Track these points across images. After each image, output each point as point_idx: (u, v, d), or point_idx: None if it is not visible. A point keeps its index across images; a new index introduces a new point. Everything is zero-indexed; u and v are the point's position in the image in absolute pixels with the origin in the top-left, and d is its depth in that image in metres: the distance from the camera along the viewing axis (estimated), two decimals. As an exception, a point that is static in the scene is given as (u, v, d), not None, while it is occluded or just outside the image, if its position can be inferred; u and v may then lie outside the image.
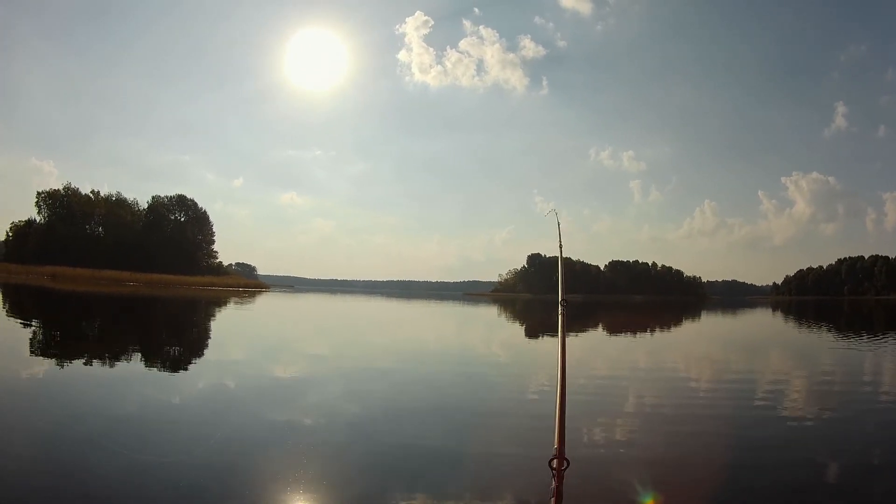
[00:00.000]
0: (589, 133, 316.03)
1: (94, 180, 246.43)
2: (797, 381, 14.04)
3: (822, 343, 27.16)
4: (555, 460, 2.70)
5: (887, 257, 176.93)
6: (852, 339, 28.41)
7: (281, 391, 10.80)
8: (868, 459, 7.15)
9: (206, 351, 17.41)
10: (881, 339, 27.96)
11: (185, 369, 13.19)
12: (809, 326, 41.18)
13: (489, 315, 51.30)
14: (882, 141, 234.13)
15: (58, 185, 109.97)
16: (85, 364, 12.53)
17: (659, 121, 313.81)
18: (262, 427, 7.79)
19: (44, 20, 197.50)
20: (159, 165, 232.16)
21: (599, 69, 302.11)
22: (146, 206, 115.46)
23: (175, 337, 21.24)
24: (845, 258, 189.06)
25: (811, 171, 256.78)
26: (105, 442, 6.63)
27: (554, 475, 2.65)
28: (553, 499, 2.58)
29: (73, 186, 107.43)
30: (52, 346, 16.13)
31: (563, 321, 4.09)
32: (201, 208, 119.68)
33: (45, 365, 12.25)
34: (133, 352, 15.71)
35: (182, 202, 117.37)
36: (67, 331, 20.92)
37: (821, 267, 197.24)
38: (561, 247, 5.71)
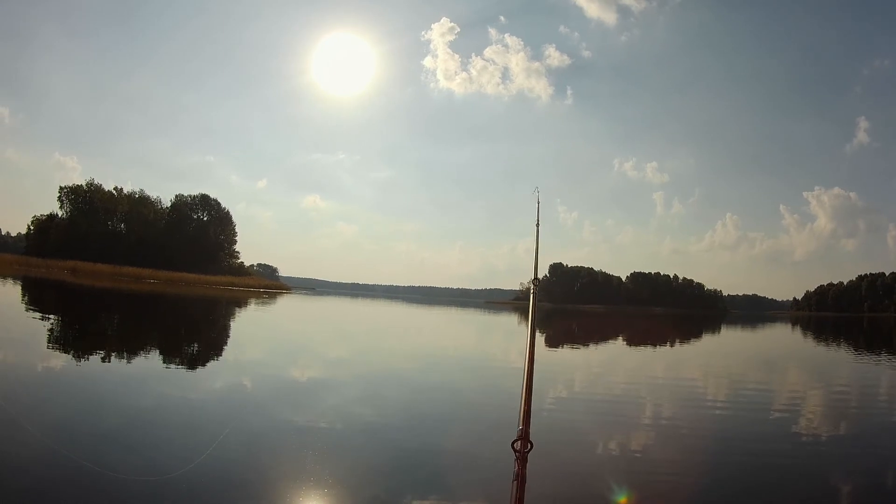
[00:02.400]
0: (612, 143, 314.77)
1: (118, 179, 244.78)
2: (809, 397, 14.47)
3: (839, 359, 27.44)
4: (517, 442, 2.65)
5: None
6: (869, 357, 28.62)
7: (298, 393, 11.04)
8: (874, 479, 7.41)
9: (222, 351, 17.64)
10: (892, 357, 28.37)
11: (201, 368, 13.52)
12: (828, 343, 41.29)
13: (509, 323, 51.54)
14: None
15: (81, 181, 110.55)
16: (102, 360, 12.84)
17: (682, 132, 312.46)
18: (277, 428, 8.03)
19: (71, 21, 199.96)
20: (184, 166, 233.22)
21: (624, 79, 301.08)
22: (169, 204, 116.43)
23: (191, 336, 21.48)
24: (866, 275, 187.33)
25: (833, 187, 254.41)
26: (120, 438, 6.89)
27: (517, 458, 2.60)
28: (515, 482, 2.53)
29: (96, 183, 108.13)
30: (69, 341, 16.28)
31: (534, 300, 4.22)
32: (224, 208, 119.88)
33: (62, 360, 12.41)
34: (149, 350, 15.96)
35: (205, 202, 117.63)
36: (86, 326, 21.10)
37: (841, 283, 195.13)
38: (538, 225, 5.77)
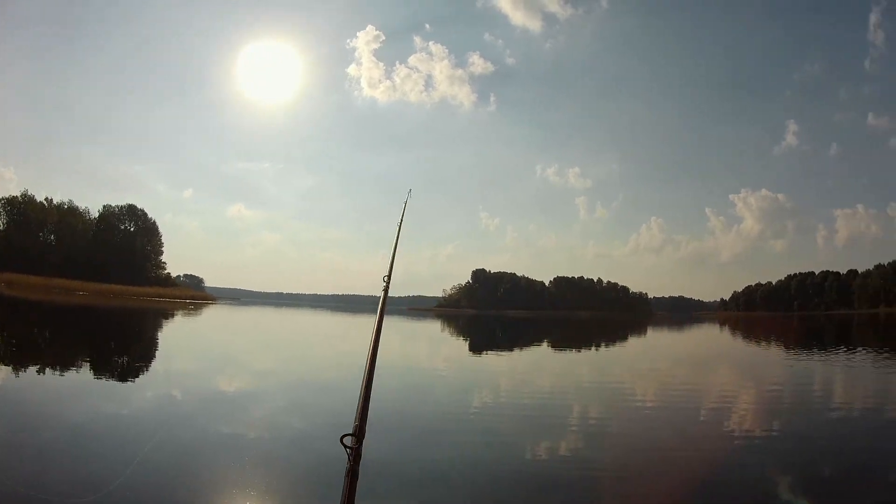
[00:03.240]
0: (535, 150, 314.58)
1: (51, 188, 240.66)
2: (740, 396, 14.63)
3: (766, 358, 28.32)
4: (347, 437, 2.63)
5: (838, 273, 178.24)
6: (800, 354, 29.44)
7: (225, 404, 11.19)
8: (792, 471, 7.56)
9: (150, 364, 17.67)
10: (830, 353, 28.92)
11: (129, 381, 13.63)
12: (755, 341, 42.27)
13: (432, 331, 52.19)
14: (834, 159, 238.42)
15: (17, 192, 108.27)
16: (30, 375, 13.16)
17: (607, 138, 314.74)
18: (204, 439, 8.16)
19: (2, 26, 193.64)
20: (113, 175, 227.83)
21: (547, 86, 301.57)
22: (97, 215, 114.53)
23: (120, 349, 21.59)
24: (795, 274, 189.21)
25: (760, 189, 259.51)
26: (47, 456, 7.01)
27: (350, 454, 2.58)
28: (347, 477, 2.51)
29: (29, 194, 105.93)
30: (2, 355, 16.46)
31: (384, 297, 4.23)
32: (151, 219, 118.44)
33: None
34: (78, 364, 16.04)
35: (132, 212, 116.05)
36: (19, 340, 21.22)
37: (770, 283, 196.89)
38: (401, 224, 5.79)
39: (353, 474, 2.52)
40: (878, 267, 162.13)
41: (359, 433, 2.67)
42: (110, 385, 12.91)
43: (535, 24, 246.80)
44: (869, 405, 13.56)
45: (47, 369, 14.15)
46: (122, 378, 14.23)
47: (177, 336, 31.02)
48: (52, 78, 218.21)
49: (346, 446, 2.60)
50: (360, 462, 2.55)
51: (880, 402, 14.21)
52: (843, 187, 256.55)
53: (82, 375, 13.79)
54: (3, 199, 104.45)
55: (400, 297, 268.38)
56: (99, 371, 14.88)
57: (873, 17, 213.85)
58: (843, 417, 11.94)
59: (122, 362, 17.63)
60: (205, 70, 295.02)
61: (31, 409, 9.76)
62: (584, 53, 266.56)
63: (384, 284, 4.44)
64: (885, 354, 27.34)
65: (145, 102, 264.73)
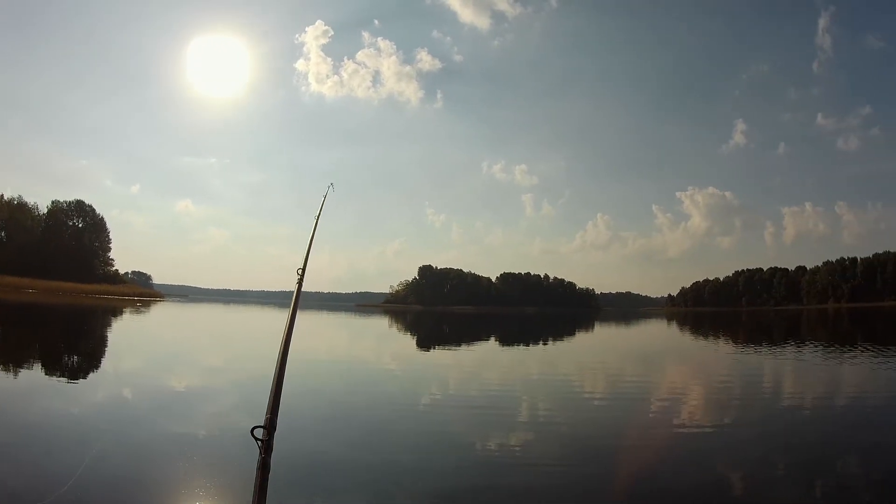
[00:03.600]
0: (482, 146, 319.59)
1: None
2: (693, 392, 14.65)
3: (714, 352, 28.43)
4: (258, 429, 2.61)
5: (786, 269, 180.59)
6: (747, 348, 29.83)
7: (175, 403, 11.14)
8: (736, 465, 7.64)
9: (99, 362, 17.63)
10: (779, 347, 29.31)
11: (79, 380, 13.57)
12: (702, 336, 42.65)
13: (380, 326, 52.35)
14: (782, 157, 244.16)
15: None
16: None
17: (554, 136, 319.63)
18: (154, 438, 8.11)
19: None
20: (61, 170, 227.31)
21: (495, 84, 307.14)
22: (46, 210, 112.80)
23: (68, 348, 21.39)
24: (743, 270, 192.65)
25: (708, 187, 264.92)
26: (20, 442, 7.27)
27: (261, 446, 2.56)
28: (259, 470, 2.49)
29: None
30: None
31: (298, 290, 4.16)
32: (99, 215, 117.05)
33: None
34: (28, 363, 15.84)
35: (80, 208, 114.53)
36: None
37: (717, 279, 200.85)
38: (318, 219, 5.60)
39: (264, 466, 2.51)
40: (826, 264, 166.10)
41: (269, 425, 2.65)
42: (59, 385, 12.64)
43: (483, 22, 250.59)
44: (818, 398, 13.83)
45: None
46: (71, 377, 13.97)
47: (125, 335, 30.83)
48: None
49: (256, 438, 2.58)
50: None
51: (829, 394, 14.48)
52: (791, 186, 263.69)
53: (29, 375, 13.59)
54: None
55: (348, 294, 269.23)
56: (46, 370, 14.69)
57: (822, 23, 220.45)
58: (792, 409, 12.10)
59: (69, 362, 17.43)
60: (153, 64, 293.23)
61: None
62: (532, 52, 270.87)
63: (298, 277, 4.34)
64: (833, 349, 27.73)
65: (93, 96, 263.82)
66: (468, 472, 7.13)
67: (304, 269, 4.45)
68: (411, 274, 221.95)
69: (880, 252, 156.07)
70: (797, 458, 7.94)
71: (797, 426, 10.34)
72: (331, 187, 6.42)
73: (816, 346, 29.40)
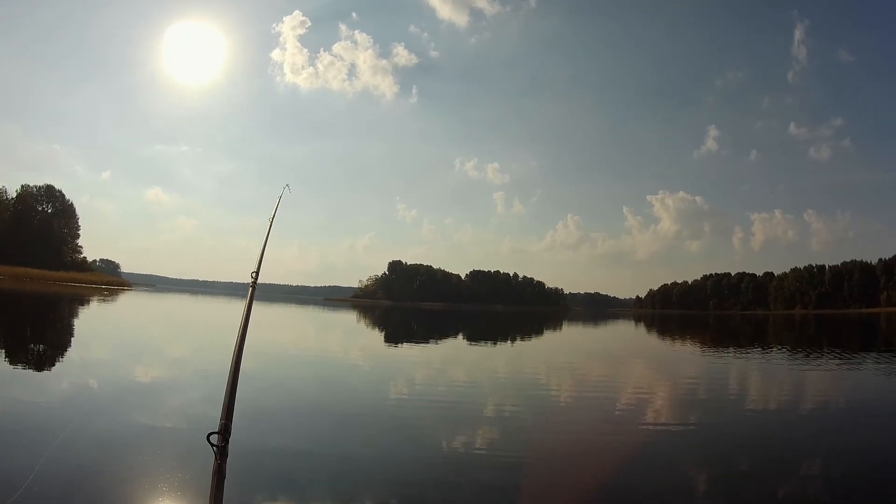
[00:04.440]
0: (455, 143, 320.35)
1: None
2: (658, 392, 14.68)
3: (681, 354, 28.70)
4: (214, 435, 2.60)
5: (754, 275, 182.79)
6: (714, 351, 30.08)
7: (139, 394, 11.03)
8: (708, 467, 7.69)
9: (68, 352, 17.52)
10: (745, 351, 29.64)
11: (48, 369, 13.40)
12: (670, 338, 43.01)
13: (348, 321, 52.18)
14: (753, 164, 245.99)
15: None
16: None
17: (527, 135, 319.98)
18: (118, 429, 7.98)
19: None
20: (31, 154, 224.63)
21: (470, 81, 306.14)
22: (15, 195, 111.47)
23: (33, 335, 21.11)
24: (711, 274, 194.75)
25: (678, 191, 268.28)
26: None
27: (216, 452, 2.55)
28: (214, 476, 2.49)
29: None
30: None
31: (251, 293, 4.13)
32: (68, 201, 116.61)
33: None
34: None
35: (50, 193, 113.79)
36: None
37: (686, 282, 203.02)
38: (272, 219, 5.68)
39: (220, 472, 2.51)
40: (794, 270, 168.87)
41: (224, 431, 2.64)
42: (22, 373, 12.51)
43: (461, 19, 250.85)
44: (783, 400, 14.06)
45: None
46: (35, 366, 13.81)
47: (91, 324, 30.55)
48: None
49: (212, 444, 2.57)
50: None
51: (794, 397, 14.67)
52: (762, 192, 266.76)
53: None
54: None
55: (316, 287, 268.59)
56: (9, 359, 14.43)
57: (797, 34, 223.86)
58: (757, 411, 12.33)
59: (33, 350, 17.24)
60: (127, 49, 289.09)
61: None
62: (508, 50, 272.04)
63: (252, 280, 4.37)
64: (799, 353, 28.12)
65: (65, 80, 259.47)
66: (434, 468, 7.18)
67: (257, 272, 4.48)
68: (381, 269, 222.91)
69: (848, 260, 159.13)
70: (761, 459, 7.98)
71: (761, 428, 10.45)
72: (286, 188, 6.45)
73: (782, 351, 29.83)
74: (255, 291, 4.29)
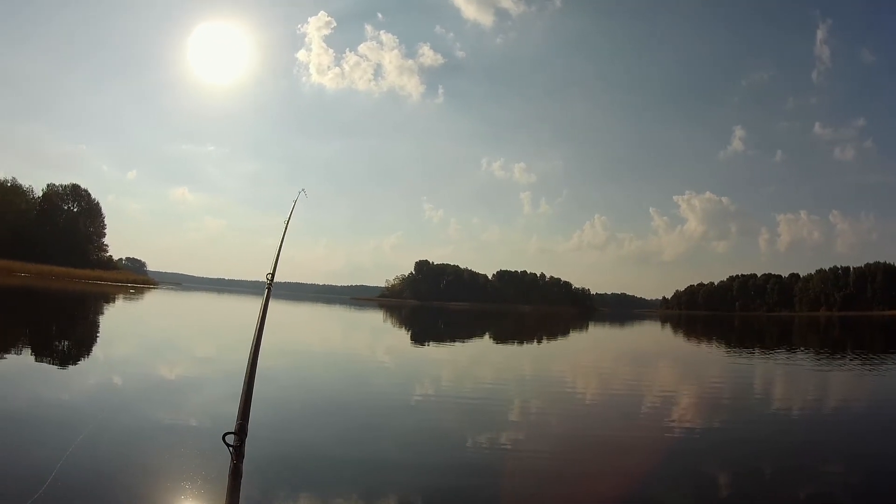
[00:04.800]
0: (481, 143, 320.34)
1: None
2: (683, 393, 14.65)
3: (707, 355, 28.53)
4: (230, 435, 2.60)
5: (780, 276, 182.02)
6: (742, 352, 29.79)
7: (170, 391, 11.13)
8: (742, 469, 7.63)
9: (94, 349, 17.41)
10: (771, 352, 29.43)
11: (72, 366, 13.37)
12: (696, 339, 42.74)
13: (374, 321, 52.05)
14: (779, 165, 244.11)
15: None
16: None
17: (553, 135, 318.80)
18: (141, 428, 7.98)
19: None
20: (56, 153, 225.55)
21: (496, 81, 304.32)
22: (41, 194, 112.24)
23: (64, 333, 21.14)
24: (737, 275, 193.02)
25: (704, 191, 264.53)
26: None
27: (232, 452, 2.56)
28: (231, 476, 2.49)
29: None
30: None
31: (267, 295, 4.18)
32: (94, 200, 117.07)
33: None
34: (21, 349, 15.54)
35: (76, 192, 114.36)
36: None
37: (712, 283, 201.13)
38: (287, 223, 5.76)
39: (236, 472, 2.50)
40: (819, 272, 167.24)
41: (241, 431, 2.64)
42: (47, 369, 12.47)
43: (486, 19, 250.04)
44: (807, 402, 13.93)
45: None
46: (61, 363, 13.68)
47: (116, 321, 30.47)
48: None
49: (228, 445, 2.58)
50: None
51: (817, 399, 14.61)
52: (787, 193, 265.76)
53: (18, 359, 13.32)
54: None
55: (343, 287, 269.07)
56: (36, 355, 14.49)
57: (819, 34, 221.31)
58: (781, 413, 12.23)
59: (59, 347, 17.28)
60: (153, 48, 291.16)
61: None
62: (534, 50, 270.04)
63: (268, 282, 4.42)
64: (823, 355, 27.98)
65: (91, 79, 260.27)
66: (458, 468, 7.10)
67: (273, 273, 4.58)
68: (407, 268, 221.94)
69: (871, 262, 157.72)
70: (783, 462, 7.95)
71: (785, 431, 10.33)
72: (302, 192, 6.56)
73: (807, 353, 29.51)
74: (274, 291, 4.37)
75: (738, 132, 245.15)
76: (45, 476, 5.28)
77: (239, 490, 2.44)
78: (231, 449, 2.56)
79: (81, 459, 6.16)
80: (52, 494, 5.08)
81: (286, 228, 5.58)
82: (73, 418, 8.15)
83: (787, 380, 18.67)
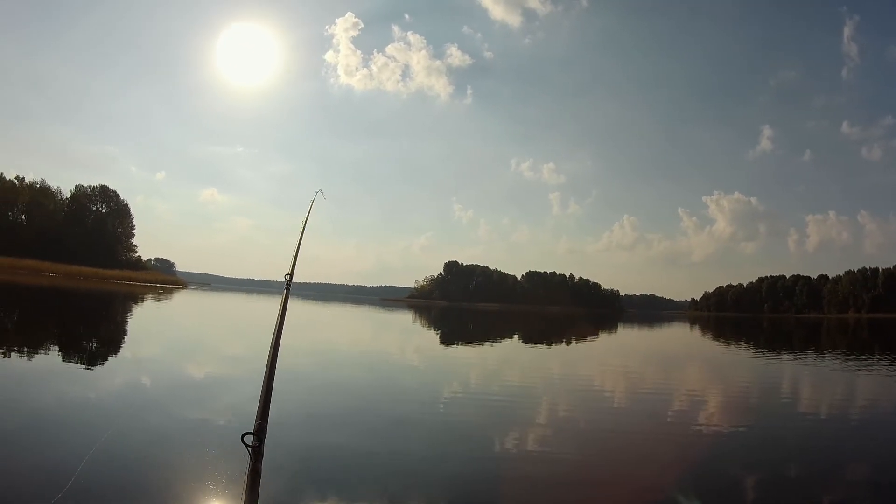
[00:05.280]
0: (510, 143, 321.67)
1: (19, 167, 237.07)
2: (711, 395, 14.57)
3: (736, 357, 28.23)
4: (248, 436, 2.58)
5: (809, 277, 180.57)
6: (770, 354, 29.63)
7: (194, 390, 11.12)
8: (779, 472, 7.55)
9: (121, 348, 17.44)
10: (800, 355, 29.35)
11: (99, 365, 13.32)
12: (724, 341, 42.48)
13: (403, 321, 52.02)
14: (807, 165, 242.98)
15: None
16: (2, 358, 12.84)
17: (582, 135, 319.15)
18: (166, 426, 7.97)
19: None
20: (85, 155, 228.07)
21: (524, 81, 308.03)
22: (69, 195, 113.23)
23: (88, 332, 21.14)
24: (766, 277, 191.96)
25: (733, 192, 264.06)
26: (15, 438, 6.98)
27: (251, 453, 2.54)
28: (249, 477, 2.47)
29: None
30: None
31: (286, 295, 4.21)
32: (123, 200, 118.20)
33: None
34: (49, 347, 15.65)
35: (105, 193, 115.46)
36: None
37: (741, 284, 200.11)
38: (305, 223, 5.83)
39: (254, 472, 2.48)
40: (848, 273, 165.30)
41: (259, 432, 2.63)
42: (74, 369, 12.49)
43: (514, 19, 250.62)
44: (834, 405, 13.71)
45: (2, 355, 13.59)
46: (88, 362, 13.62)
47: (144, 321, 30.42)
48: (23, 53, 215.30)
49: (247, 445, 2.56)
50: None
51: (844, 403, 14.39)
52: (816, 193, 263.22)
53: (45, 358, 13.37)
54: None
55: (372, 287, 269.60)
56: (63, 354, 14.56)
57: (847, 31, 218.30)
58: (808, 416, 12.07)
59: (86, 346, 17.22)
60: (181, 50, 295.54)
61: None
62: (562, 50, 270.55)
63: (286, 283, 4.43)
64: (851, 358, 27.74)
65: (119, 82, 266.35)
66: (484, 472, 7.03)
67: (291, 275, 4.53)
68: (437, 269, 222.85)
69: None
70: (810, 465, 8.00)
71: (812, 434, 10.28)
72: (319, 193, 6.55)
73: (835, 355, 29.28)
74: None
75: (767, 131, 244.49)
76: (69, 474, 5.34)
77: (258, 490, 2.42)
78: (250, 449, 2.53)
79: (105, 458, 6.17)
80: (75, 492, 5.09)
81: (303, 229, 5.57)
82: (97, 417, 8.20)
83: (814, 383, 18.54)
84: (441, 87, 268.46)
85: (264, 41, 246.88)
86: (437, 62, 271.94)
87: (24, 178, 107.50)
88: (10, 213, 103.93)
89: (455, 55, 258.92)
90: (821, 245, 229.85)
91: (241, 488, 2.42)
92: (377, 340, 29.23)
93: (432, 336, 36.88)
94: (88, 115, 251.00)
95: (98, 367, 13.03)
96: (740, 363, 25.13)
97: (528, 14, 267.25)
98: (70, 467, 5.51)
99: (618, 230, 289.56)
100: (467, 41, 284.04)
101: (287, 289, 4.29)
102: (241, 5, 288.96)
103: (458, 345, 29.19)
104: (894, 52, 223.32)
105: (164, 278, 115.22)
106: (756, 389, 16.10)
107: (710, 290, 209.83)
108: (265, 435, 2.63)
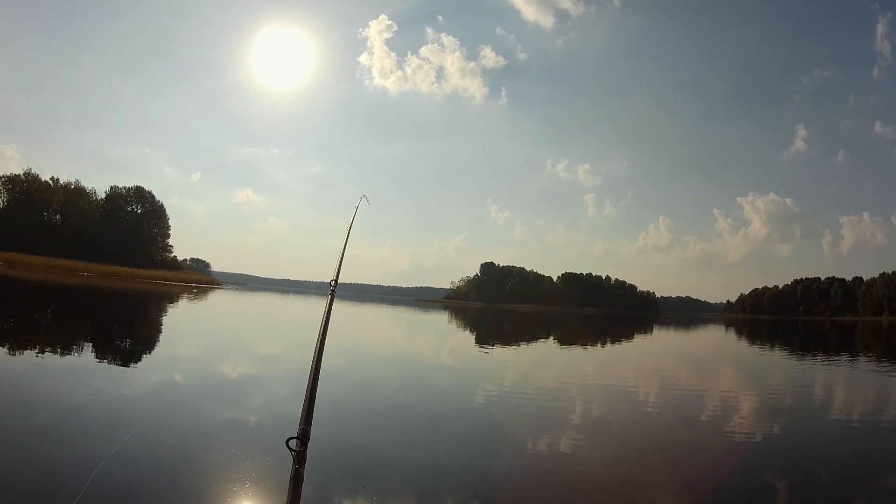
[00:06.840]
0: (545, 145, 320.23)
1: (55, 169, 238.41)
2: (745, 398, 14.40)
3: (771, 361, 27.86)
4: (293, 440, 2.60)
5: (844, 279, 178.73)
6: (806, 358, 29.34)
7: (228, 389, 11.12)
8: (809, 476, 7.45)
9: (154, 346, 17.46)
10: (835, 359, 28.75)
11: (134, 364, 13.31)
12: (760, 344, 42.21)
13: (439, 322, 51.88)
14: (841, 165, 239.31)
15: (19, 171, 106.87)
16: (36, 355, 12.78)
17: (616, 136, 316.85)
18: (201, 425, 7.93)
19: (5, 2, 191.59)
20: (119, 157, 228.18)
21: (559, 82, 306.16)
22: (104, 196, 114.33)
23: (122, 331, 21.10)
24: (801, 279, 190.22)
25: (768, 193, 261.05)
26: (50, 434, 6.89)
27: (294, 456, 2.54)
28: (291, 480, 2.46)
29: (33, 172, 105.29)
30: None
31: (331, 300, 4.22)
32: (158, 201, 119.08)
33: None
34: (78, 345, 15.66)
35: (140, 194, 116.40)
36: (18, 320, 20.60)
37: (776, 286, 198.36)
38: (350, 229, 5.76)
39: (297, 476, 2.49)
40: (883, 275, 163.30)
41: (303, 436, 2.63)
42: (107, 366, 12.43)
43: (547, 20, 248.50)
44: (866, 410, 13.48)
45: (37, 351, 13.55)
46: (122, 360, 13.61)
47: (179, 320, 30.44)
48: (59, 56, 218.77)
49: (291, 449, 2.57)
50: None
51: (876, 407, 14.07)
52: (850, 194, 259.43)
53: (77, 356, 13.45)
54: (3, 177, 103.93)
55: (408, 288, 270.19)
56: (97, 352, 14.59)
57: (880, 28, 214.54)
58: (840, 421, 11.97)
59: (119, 344, 17.14)
60: (215, 53, 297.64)
61: (22, 391, 9.31)
62: (595, 51, 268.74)
63: (332, 287, 4.46)
64: (885, 362, 27.40)
65: (154, 84, 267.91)
66: (519, 474, 6.92)
67: (336, 280, 4.57)
68: (472, 270, 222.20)
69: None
70: (844, 471, 7.78)
71: (843, 439, 10.09)
72: (364, 198, 6.56)
73: (869, 359, 28.89)
74: (340, 292, 4.53)
75: (801, 132, 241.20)
76: (94, 469, 5.32)
77: (300, 495, 2.45)
78: (294, 453, 2.56)
79: (132, 454, 6.11)
80: (97, 486, 5.05)
81: (348, 235, 5.55)
82: (126, 414, 8.11)
83: (847, 387, 18.33)
84: (476, 88, 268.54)
85: (299, 44, 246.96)
86: (472, 63, 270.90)
87: (58, 179, 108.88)
88: (45, 214, 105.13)
89: (489, 56, 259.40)
90: (855, 247, 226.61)
91: (275, 488, 2.55)
92: (412, 341, 29.21)
93: (468, 337, 36.77)
94: (124, 118, 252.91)
95: (132, 366, 13.03)
96: (773, 366, 24.96)
97: (561, 15, 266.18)
98: (96, 462, 5.51)
99: (653, 231, 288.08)
100: (501, 42, 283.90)
101: (331, 293, 4.28)
102: (275, 9, 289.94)
103: (493, 346, 29.04)
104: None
105: (200, 278, 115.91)
106: (789, 394, 15.92)
107: (746, 293, 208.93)
108: (309, 440, 2.63)
